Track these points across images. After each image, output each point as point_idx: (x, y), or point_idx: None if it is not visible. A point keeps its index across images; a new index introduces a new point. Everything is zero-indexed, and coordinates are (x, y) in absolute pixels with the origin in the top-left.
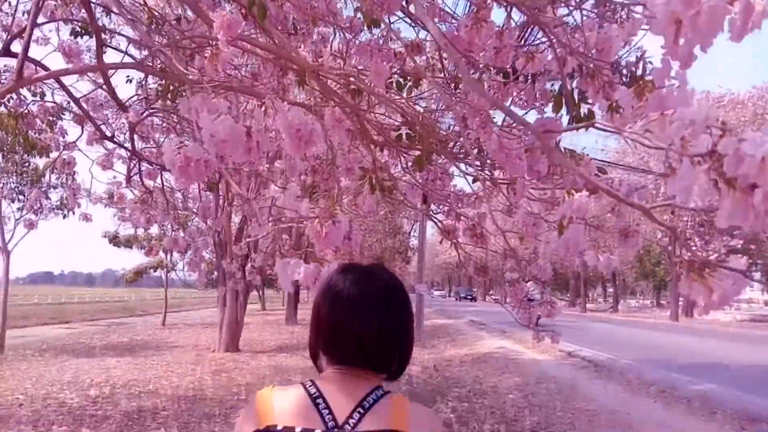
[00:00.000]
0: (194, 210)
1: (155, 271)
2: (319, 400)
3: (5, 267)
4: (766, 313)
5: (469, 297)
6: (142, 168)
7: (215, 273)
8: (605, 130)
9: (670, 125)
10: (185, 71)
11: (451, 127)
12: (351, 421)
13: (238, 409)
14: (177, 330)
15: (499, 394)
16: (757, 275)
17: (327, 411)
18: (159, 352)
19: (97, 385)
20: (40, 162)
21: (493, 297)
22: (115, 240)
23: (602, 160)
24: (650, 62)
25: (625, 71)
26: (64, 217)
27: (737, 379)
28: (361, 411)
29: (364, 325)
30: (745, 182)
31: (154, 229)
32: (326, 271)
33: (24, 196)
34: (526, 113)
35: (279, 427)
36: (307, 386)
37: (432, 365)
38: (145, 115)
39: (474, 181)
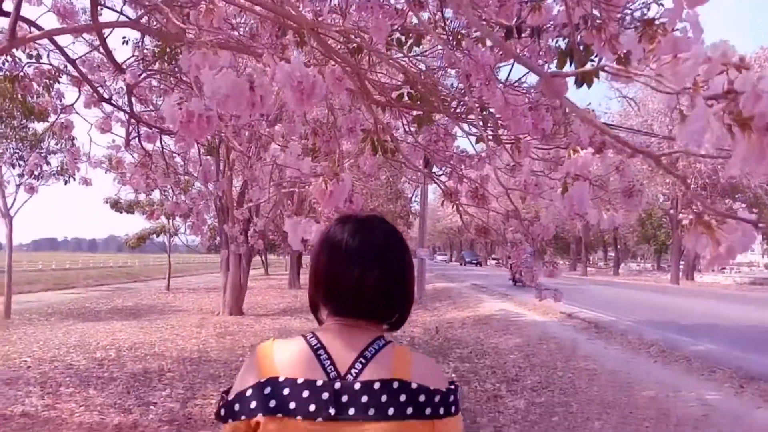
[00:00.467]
0: (195, 174)
1: (158, 236)
2: (321, 351)
3: (8, 233)
4: (766, 276)
5: (475, 262)
6: (141, 131)
7: (218, 238)
8: (616, 75)
9: (684, 64)
10: (183, 27)
11: (454, 87)
12: (353, 371)
13: None
14: (181, 294)
15: (500, 354)
16: (759, 237)
17: (329, 362)
18: (164, 316)
19: (103, 347)
20: (38, 127)
21: (494, 258)
22: (116, 205)
23: (606, 123)
24: (661, 4)
25: (636, 14)
26: (65, 182)
27: (737, 340)
28: (363, 361)
29: (364, 276)
30: (762, 121)
31: (156, 195)
32: None
33: (24, 161)
34: (529, 72)
35: (281, 378)
36: (308, 338)
37: (434, 327)
38: (142, 76)
39: (477, 141)
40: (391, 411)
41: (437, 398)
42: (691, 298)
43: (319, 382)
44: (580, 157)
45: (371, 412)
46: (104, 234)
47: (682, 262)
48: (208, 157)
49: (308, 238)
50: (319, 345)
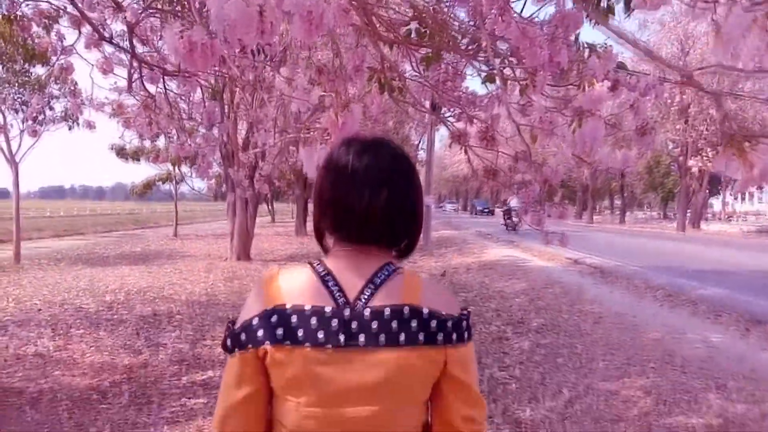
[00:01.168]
0: (199, 119)
1: (164, 183)
2: (328, 278)
3: (15, 178)
4: None
5: (486, 210)
6: (143, 73)
7: (224, 185)
8: None
9: None
10: None
11: (465, 22)
12: (362, 297)
13: None
14: (189, 240)
15: (506, 298)
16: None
17: (337, 288)
18: (172, 261)
19: (112, 291)
20: (41, 71)
21: (500, 204)
22: (122, 153)
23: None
24: None
25: None
26: (70, 128)
27: (743, 285)
28: (372, 287)
29: (371, 199)
30: None
31: (161, 142)
32: None
33: (27, 106)
34: (543, 6)
35: (288, 306)
36: (315, 265)
37: (439, 272)
38: (143, 14)
39: (486, 80)
40: (402, 338)
41: (449, 324)
42: (697, 245)
43: (328, 310)
44: (595, 91)
45: (382, 339)
46: (111, 182)
47: (688, 211)
48: (213, 100)
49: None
50: (326, 272)
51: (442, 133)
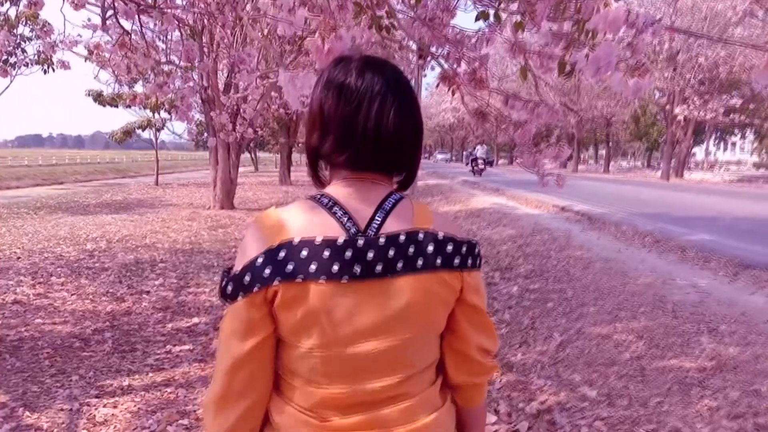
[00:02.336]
0: (177, 61)
1: (144, 130)
2: (335, 208)
3: None
4: (754, 174)
5: (486, 162)
6: (117, 8)
7: (205, 133)
8: None
9: None
10: None
11: None
12: (373, 224)
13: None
14: (171, 189)
15: (493, 245)
16: (751, 136)
17: (346, 217)
18: (154, 210)
19: (93, 239)
20: (11, 12)
21: (468, 153)
22: (100, 98)
23: None
24: None
25: None
26: (44, 71)
27: (730, 230)
28: (383, 213)
29: (381, 112)
30: None
31: (139, 88)
32: None
33: None
34: None
35: (295, 240)
36: (317, 197)
37: None
38: None
39: (479, 17)
40: (419, 263)
41: (464, 249)
42: (682, 192)
43: (340, 240)
44: (611, 11)
45: (399, 266)
46: (90, 130)
47: (673, 160)
48: (192, 39)
49: (307, 93)
50: (332, 202)
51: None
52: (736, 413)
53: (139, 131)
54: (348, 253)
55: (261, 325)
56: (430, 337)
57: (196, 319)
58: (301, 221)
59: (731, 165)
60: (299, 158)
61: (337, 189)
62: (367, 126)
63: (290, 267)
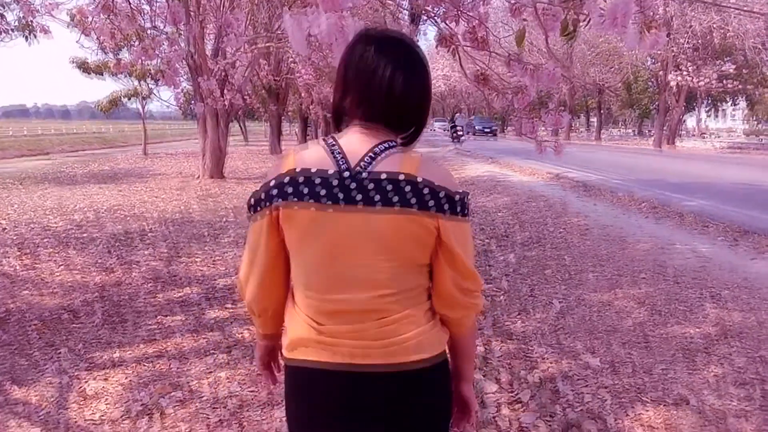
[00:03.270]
0: (162, 26)
1: (130, 99)
2: (335, 148)
3: None
4: (744, 142)
5: (488, 130)
6: None
7: (193, 102)
8: None
9: None
10: None
11: None
12: (362, 164)
13: (227, 231)
14: (159, 159)
15: (488, 213)
16: (742, 103)
17: (341, 155)
18: (142, 180)
19: (81, 210)
20: None
21: (449, 121)
22: (84, 67)
23: None
24: None
25: None
26: (26, 38)
27: (726, 197)
28: (373, 156)
29: (394, 75)
30: None
31: (125, 55)
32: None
33: None
34: None
35: (297, 170)
36: (326, 140)
37: None
38: None
39: None
40: (395, 200)
41: (441, 195)
42: (676, 159)
43: (330, 171)
44: None
45: (377, 199)
46: (76, 101)
47: (665, 127)
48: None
49: (316, 33)
50: (334, 143)
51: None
52: (743, 380)
53: (125, 100)
54: (335, 183)
55: (271, 232)
56: (405, 266)
57: (188, 290)
58: (306, 156)
59: (722, 133)
60: (289, 128)
61: (345, 135)
62: (381, 87)
63: (290, 190)
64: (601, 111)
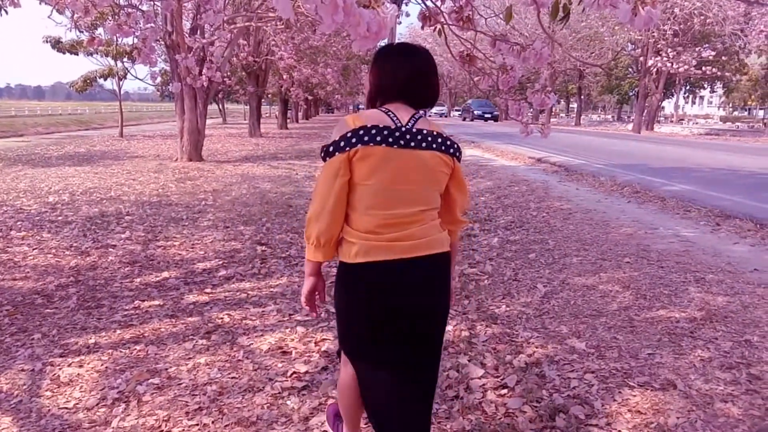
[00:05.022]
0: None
1: (106, 79)
2: (390, 113)
3: None
4: (721, 128)
5: (488, 115)
6: None
7: (171, 82)
8: None
9: None
10: None
11: None
12: (410, 123)
13: (206, 214)
14: (136, 141)
15: (472, 197)
16: (720, 90)
17: (395, 117)
18: (119, 162)
19: (56, 192)
20: None
21: (458, 109)
22: (58, 45)
23: None
24: None
25: None
26: None
27: (707, 181)
28: (415, 119)
29: (420, 82)
30: None
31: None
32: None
33: None
34: None
35: (368, 125)
36: (381, 109)
37: None
38: None
39: None
40: (434, 145)
41: (455, 146)
42: (655, 144)
43: (392, 126)
44: None
45: (423, 144)
46: (50, 81)
47: (644, 113)
48: None
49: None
50: (388, 109)
51: (400, 32)
52: (729, 364)
53: (101, 81)
54: (396, 134)
55: (344, 172)
56: (435, 188)
57: (165, 274)
58: (371, 116)
59: (699, 119)
60: (269, 109)
61: (389, 106)
62: (407, 74)
63: (367, 138)
64: (582, 96)
